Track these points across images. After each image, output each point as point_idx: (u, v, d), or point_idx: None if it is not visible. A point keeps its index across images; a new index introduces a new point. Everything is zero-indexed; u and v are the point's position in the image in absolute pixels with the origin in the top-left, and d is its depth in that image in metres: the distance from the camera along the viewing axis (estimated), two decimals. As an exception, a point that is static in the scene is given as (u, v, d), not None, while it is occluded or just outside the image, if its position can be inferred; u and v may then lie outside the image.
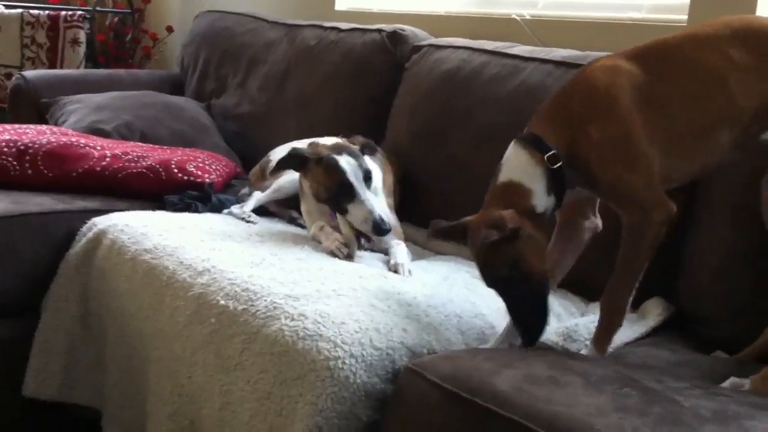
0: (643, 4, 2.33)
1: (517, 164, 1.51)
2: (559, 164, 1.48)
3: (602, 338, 1.53)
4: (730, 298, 1.69)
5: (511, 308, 1.51)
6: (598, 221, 1.66)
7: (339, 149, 1.98)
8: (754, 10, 1.96)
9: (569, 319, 1.79)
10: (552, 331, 1.64)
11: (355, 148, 2.02)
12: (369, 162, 2.11)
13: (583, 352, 1.57)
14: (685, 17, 2.10)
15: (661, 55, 1.51)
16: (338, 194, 1.95)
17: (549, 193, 1.50)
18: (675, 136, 1.47)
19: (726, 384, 1.39)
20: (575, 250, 1.66)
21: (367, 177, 1.96)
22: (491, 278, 1.51)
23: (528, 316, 1.50)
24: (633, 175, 1.45)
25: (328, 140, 2.09)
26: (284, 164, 2.08)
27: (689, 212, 1.75)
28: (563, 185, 1.50)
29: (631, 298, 1.50)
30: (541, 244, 1.50)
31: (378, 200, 1.99)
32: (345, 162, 1.94)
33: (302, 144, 2.14)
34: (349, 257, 1.96)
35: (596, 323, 1.56)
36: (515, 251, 1.45)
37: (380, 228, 1.91)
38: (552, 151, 1.48)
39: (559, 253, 1.65)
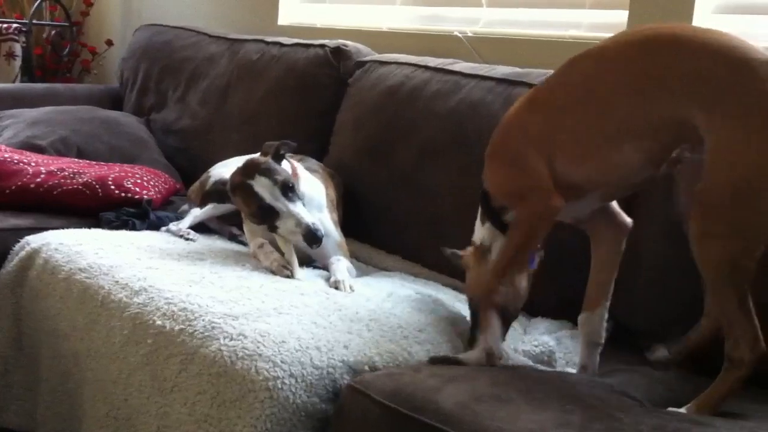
0: (582, 22, 2.36)
1: None
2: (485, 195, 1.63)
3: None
4: (664, 309, 1.71)
5: None
6: (624, 219, 1.64)
7: (251, 172, 1.93)
8: (692, 12, 1.99)
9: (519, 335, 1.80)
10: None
11: (267, 161, 1.95)
12: (306, 176, 2.09)
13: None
14: (623, 35, 2.13)
15: (565, 74, 1.54)
16: (264, 217, 1.93)
17: (483, 223, 1.64)
18: (583, 149, 1.49)
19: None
20: (611, 264, 1.63)
21: (286, 187, 1.91)
22: None
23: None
24: (513, 174, 1.56)
25: (240, 160, 2.03)
26: (210, 198, 2.07)
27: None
28: (493, 215, 1.62)
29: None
30: (477, 274, 1.65)
31: (305, 209, 1.93)
32: (258, 186, 1.91)
33: (242, 160, 2.10)
34: (291, 276, 1.93)
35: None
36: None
37: (313, 236, 1.87)
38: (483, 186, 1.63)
39: (597, 273, 1.64)
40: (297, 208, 1.91)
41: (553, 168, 1.51)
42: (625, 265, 1.79)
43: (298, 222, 1.88)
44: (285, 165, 2.03)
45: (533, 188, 1.53)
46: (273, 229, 1.94)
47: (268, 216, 1.92)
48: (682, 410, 1.37)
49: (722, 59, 1.33)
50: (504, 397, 1.31)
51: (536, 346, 1.69)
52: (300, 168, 2.14)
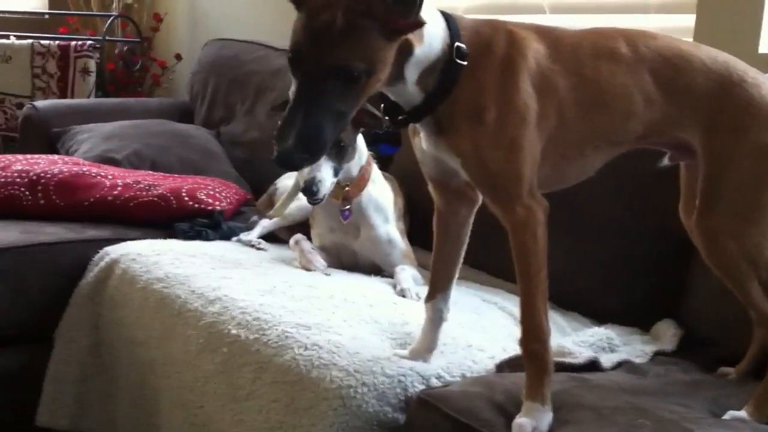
0: (649, 27, 2.33)
1: None
2: None
3: (533, 387, 1.29)
4: (727, 318, 1.67)
5: None
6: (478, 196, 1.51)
7: None
8: (761, 15, 1.97)
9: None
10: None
11: None
12: (380, 181, 2.12)
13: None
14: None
15: (572, 53, 1.39)
16: None
17: None
18: (558, 142, 1.37)
19: (726, 417, 1.36)
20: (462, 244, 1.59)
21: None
22: None
23: None
24: (518, 162, 1.31)
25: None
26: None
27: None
28: None
29: (546, 318, 1.31)
30: None
31: (328, 167, 1.90)
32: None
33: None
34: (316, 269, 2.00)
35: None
36: None
37: (307, 190, 1.86)
38: None
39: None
40: (323, 165, 1.87)
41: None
42: (692, 275, 1.78)
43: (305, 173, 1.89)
44: (365, 154, 2.06)
45: (534, 192, 1.39)
46: None
47: None
48: (742, 413, 1.35)
49: (720, 77, 1.42)
50: (573, 415, 1.30)
51: (591, 336, 1.70)
52: (376, 170, 2.15)
